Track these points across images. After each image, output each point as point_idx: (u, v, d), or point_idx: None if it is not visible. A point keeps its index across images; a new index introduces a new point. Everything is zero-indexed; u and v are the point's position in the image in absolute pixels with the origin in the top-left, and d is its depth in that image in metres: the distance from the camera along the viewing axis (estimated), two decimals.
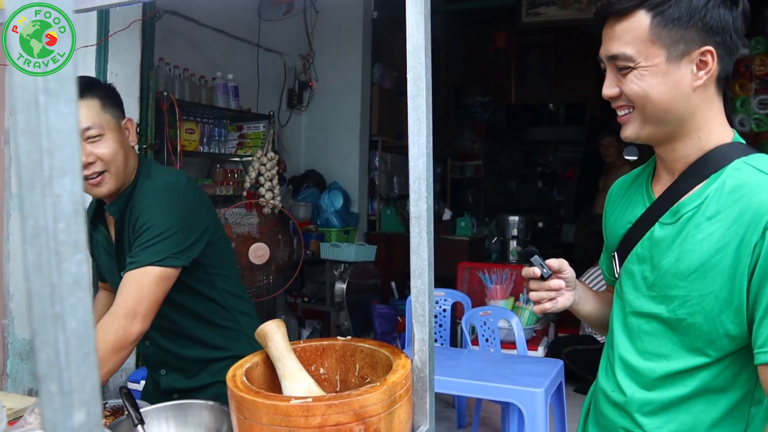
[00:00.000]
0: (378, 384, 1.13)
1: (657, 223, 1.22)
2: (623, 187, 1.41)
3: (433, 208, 1.19)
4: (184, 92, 4.08)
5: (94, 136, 1.59)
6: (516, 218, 5.58)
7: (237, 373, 1.21)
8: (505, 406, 3.08)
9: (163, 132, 3.72)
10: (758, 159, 1.15)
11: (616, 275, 1.35)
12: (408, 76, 1.17)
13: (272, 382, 1.32)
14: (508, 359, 3.11)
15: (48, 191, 0.49)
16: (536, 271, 1.30)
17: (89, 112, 1.58)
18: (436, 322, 4.04)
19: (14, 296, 3.63)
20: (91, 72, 3.30)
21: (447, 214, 6.35)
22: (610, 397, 1.32)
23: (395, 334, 4.81)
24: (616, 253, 1.35)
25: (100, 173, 1.61)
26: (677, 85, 1.13)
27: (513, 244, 5.52)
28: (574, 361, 4.39)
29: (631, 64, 1.14)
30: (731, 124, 1.24)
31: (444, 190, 7.99)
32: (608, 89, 1.21)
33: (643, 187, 1.32)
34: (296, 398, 1.07)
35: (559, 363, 2.93)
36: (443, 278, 4.37)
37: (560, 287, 1.32)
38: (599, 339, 4.42)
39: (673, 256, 1.17)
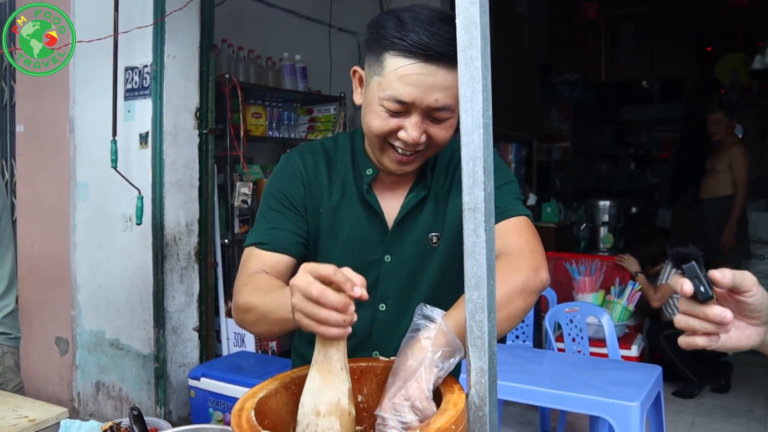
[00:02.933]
0: None
1: None
2: None
3: (493, 196, 0.90)
4: (249, 74, 3.91)
5: (441, 119, 1.20)
6: (607, 203, 5.13)
7: (245, 406, 0.97)
8: (594, 418, 2.74)
9: (225, 116, 3.55)
10: None
11: None
12: (457, 22, 0.88)
13: (296, 413, 1.07)
14: (598, 364, 2.77)
15: None
16: (686, 287, 0.84)
17: (452, 88, 1.14)
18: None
19: (81, 288, 3.58)
20: (148, 55, 3.16)
21: (532, 199, 5.97)
22: None
23: None
24: None
25: (418, 152, 1.24)
26: None
27: (604, 230, 5.09)
28: (674, 346, 3.97)
29: None
30: None
31: (529, 174, 7.57)
32: None
33: None
34: None
35: (658, 370, 2.57)
36: None
37: (724, 320, 0.84)
38: None
39: None
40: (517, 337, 3.75)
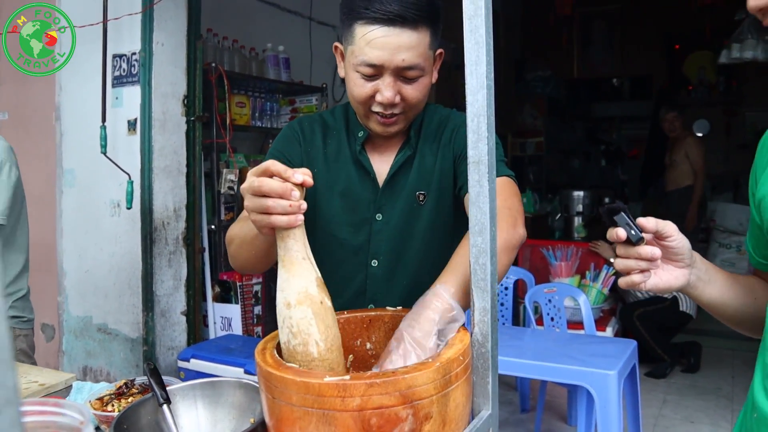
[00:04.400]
0: (430, 360, 0.95)
1: None
2: None
3: (494, 150, 1.00)
4: (233, 64, 3.96)
5: (412, 78, 1.30)
6: (581, 193, 5.29)
7: (267, 346, 1.05)
8: (572, 390, 2.86)
9: (211, 104, 3.60)
10: None
11: None
12: None
13: None
14: (577, 339, 2.89)
15: None
16: (620, 233, 1.01)
17: (418, 48, 1.26)
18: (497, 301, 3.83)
19: (68, 274, 3.61)
20: (137, 41, 3.21)
21: None
22: None
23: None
24: None
25: (398, 114, 1.34)
26: None
27: (578, 220, 5.24)
28: (646, 324, 4.17)
29: None
30: None
31: None
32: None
33: None
34: (331, 376, 0.90)
35: (633, 343, 2.70)
36: None
37: (654, 257, 1.00)
38: (666, 296, 4.17)
39: None
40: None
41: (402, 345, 1.04)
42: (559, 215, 5.52)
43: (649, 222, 1.01)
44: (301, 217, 0.96)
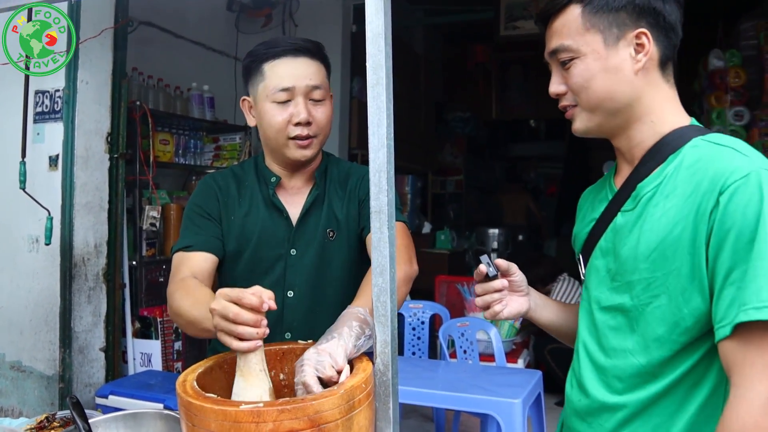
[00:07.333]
0: (335, 388, 1.07)
1: (619, 213, 1.21)
2: (591, 191, 1.41)
3: (394, 202, 1.14)
4: (158, 102, 4.02)
5: (318, 99, 1.55)
6: (496, 231, 5.53)
7: (188, 378, 1.14)
8: (484, 419, 3.01)
9: (135, 141, 3.64)
10: (715, 136, 1.14)
11: (582, 277, 1.33)
12: (367, 64, 1.11)
13: (228, 389, 1.25)
14: (487, 370, 3.05)
15: None
16: (483, 268, 1.31)
17: (318, 74, 1.55)
18: (414, 335, 3.97)
19: None
20: (61, 79, 3.23)
21: (427, 228, 6.30)
22: (577, 407, 1.27)
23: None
24: (581, 255, 1.33)
25: (311, 137, 1.54)
26: (618, 70, 1.15)
27: (493, 257, 5.45)
28: (557, 358, 4.38)
29: (572, 54, 1.19)
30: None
31: (425, 205, 7.93)
32: (554, 86, 1.26)
33: (606, 183, 1.31)
34: (247, 403, 1.00)
35: (538, 374, 2.88)
36: (422, 291, 4.32)
37: (503, 287, 1.32)
38: None
39: (633, 239, 1.14)
40: (413, 353, 4.00)
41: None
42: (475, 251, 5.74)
43: (502, 263, 1.34)
44: (261, 342, 1.10)
